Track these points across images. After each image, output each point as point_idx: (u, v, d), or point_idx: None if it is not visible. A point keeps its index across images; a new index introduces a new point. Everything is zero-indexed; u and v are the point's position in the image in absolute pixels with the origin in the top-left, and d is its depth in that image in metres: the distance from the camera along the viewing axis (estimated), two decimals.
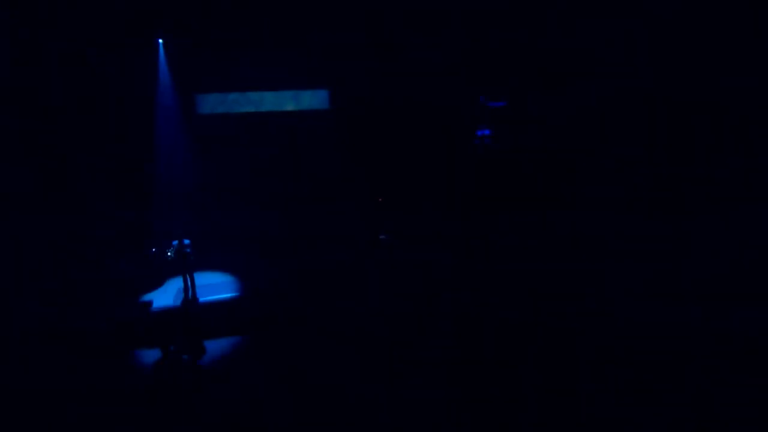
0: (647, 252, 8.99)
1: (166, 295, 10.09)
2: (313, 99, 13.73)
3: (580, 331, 7.11)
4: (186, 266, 9.39)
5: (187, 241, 9.44)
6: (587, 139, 11.94)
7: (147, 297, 10.03)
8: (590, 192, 11.59)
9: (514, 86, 13.11)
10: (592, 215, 11.11)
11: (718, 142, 9.66)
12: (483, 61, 12.76)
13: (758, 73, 8.91)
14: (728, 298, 7.12)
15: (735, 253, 8.34)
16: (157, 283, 10.76)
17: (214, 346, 7.95)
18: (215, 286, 10.32)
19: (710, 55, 9.54)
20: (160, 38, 11.87)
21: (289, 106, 13.55)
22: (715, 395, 5.13)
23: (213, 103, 12.90)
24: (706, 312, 6.93)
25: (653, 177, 10.65)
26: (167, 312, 9.25)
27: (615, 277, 8.45)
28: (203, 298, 9.53)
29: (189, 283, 9.58)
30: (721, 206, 9.31)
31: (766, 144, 9.12)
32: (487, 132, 13.67)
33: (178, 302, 9.49)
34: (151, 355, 7.67)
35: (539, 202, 12.26)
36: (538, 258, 10.13)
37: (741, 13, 8.91)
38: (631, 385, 5.69)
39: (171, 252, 9.30)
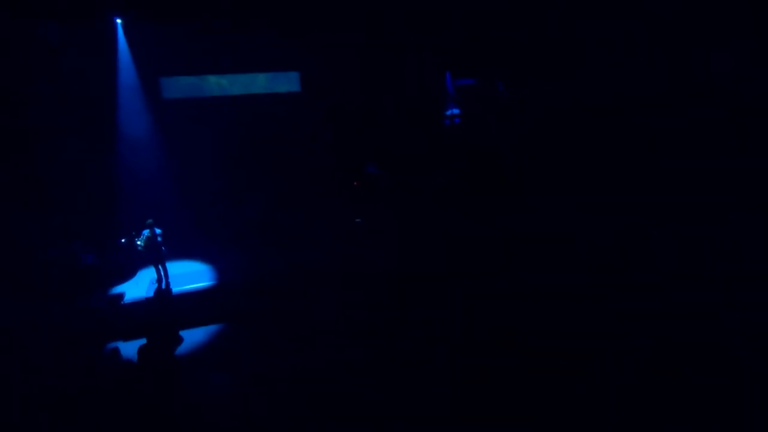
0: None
1: (138, 286, 9.94)
2: (284, 81, 13.45)
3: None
4: (158, 256, 9.24)
5: (158, 231, 9.27)
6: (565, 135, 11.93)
7: (119, 289, 9.87)
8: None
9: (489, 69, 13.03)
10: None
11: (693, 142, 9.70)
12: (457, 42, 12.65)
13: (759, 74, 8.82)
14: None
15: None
16: (128, 275, 10.58)
17: (190, 336, 7.92)
18: (189, 275, 10.20)
19: (701, 53, 9.54)
20: (119, 17, 11.31)
21: (259, 89, 13.26)
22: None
23: (179, 87, 12.50)
24: None
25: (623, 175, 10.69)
26: (140, 303, 9.14)
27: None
28: (177, 288, 9.43)
29: (162, 273, 9.45)
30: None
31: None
32: (456, 111, 13.59)
33: (151, 293, 9.37)
34: (125, 348, 7.59)
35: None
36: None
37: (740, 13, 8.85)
38: None
39: (141, 242, 9.11)
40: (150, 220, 9.30)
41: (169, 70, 12.21)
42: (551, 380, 5.72)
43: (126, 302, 9.20)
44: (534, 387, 5.67)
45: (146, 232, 9.17)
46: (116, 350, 7.47)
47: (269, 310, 8.64)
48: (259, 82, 13.22)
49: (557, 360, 6.06)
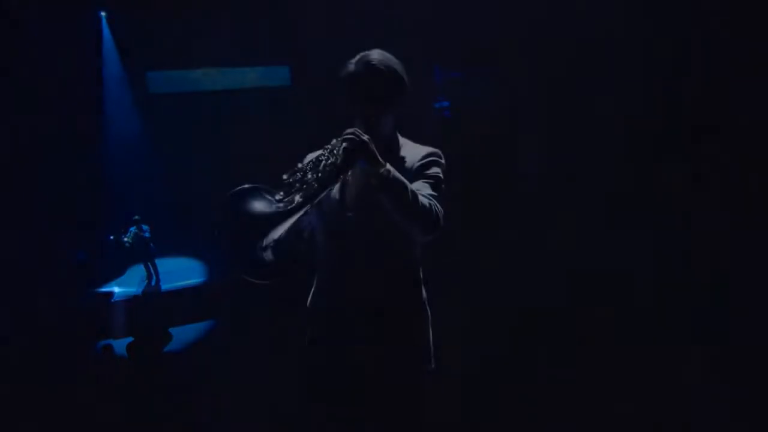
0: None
1: (128, 284, 9.84)
2: (275, 76, 13.28)
3: None
4: (146, 253, 9.14)
5: (145, 227, 9.16)
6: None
7: (109, 286, 9.76)
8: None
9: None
10: None
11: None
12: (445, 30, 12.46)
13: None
14: None
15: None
16: (118, 272, 10.45)
17: (180, 333, 7.82)
18: (179, 272, 10.10)
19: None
20: (102, 10, 11.00)
21: (250, 84, 13.07)
22: None
23: (166, 81, 12.28)
24: None
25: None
26: (129, 301, 9.03)
27: None
28: (167, 285, 9.33)
29: (152, 270, 9.38)
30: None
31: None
32: (445, 104, 13.28)
33: (140, 291, 9.28)
34: (115, 346, 7.49)
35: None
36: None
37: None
38: None
39: (128, 239, 9.00)
40: (137, 217, 9.20)
41: (156, 64, 11.99)
42: (550, 380, 5.68)
43: (115, 300, 9.10)
44: (532, 386, 5.63)
45: (133, 229, 9.06)
46: (106, 349, 7.39)
47: (262, 307, 8.53)
48: (249, 77, 13.04)
49: (556, 359, 6.02)
